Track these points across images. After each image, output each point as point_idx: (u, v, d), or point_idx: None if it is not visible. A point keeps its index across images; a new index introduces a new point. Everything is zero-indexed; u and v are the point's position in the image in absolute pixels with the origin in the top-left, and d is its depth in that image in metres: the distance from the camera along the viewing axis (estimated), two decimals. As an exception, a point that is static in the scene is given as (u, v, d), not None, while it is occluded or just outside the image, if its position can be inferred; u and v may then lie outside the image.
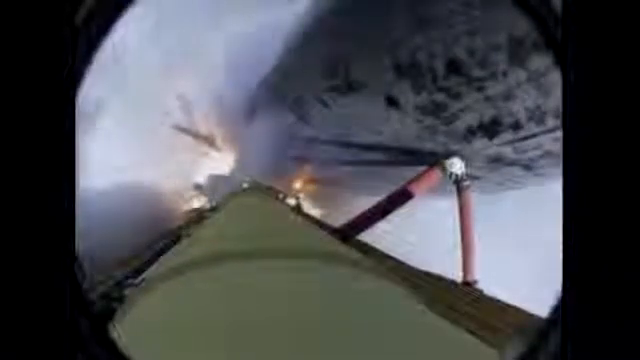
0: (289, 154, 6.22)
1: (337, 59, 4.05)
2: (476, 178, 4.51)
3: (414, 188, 4.08)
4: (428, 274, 2.82)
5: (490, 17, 2.74)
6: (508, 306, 2.29)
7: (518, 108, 3.32)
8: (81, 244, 0.77)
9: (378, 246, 3.27)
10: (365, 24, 3.51)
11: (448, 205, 4.57)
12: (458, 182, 4.25)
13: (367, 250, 3.10)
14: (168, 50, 6.87)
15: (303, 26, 4.66)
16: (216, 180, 6.91)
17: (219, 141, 8.28)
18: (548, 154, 3.80)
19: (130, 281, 1.90)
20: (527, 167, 4.22)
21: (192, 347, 0.67)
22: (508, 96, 3.23)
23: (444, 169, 4.18)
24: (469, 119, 3.66)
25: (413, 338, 0.78)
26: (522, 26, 2.57)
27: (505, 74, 3.03)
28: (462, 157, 4.18)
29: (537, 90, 3.06)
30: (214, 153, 8.37)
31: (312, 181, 6.83)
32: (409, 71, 3.47)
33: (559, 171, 0.74)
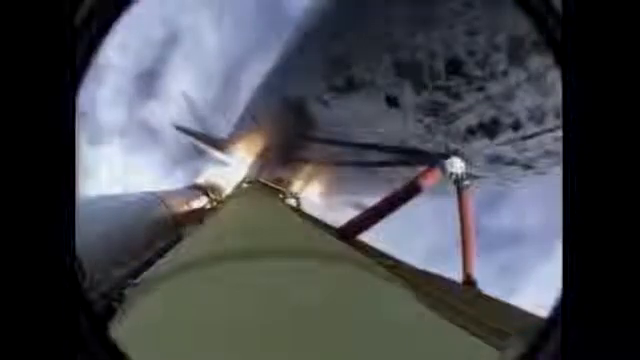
0: (289, 154, 6.21)
1: (337, 59, 4.05)
2: (476, 178, 4.51)
3: (420, 184, 4.07)
4: (428, 274, 2.82)
5: (490, 17, 2.74)
6: (508, 306, 2.29)
7: (518, 108, 3.31)
8: (81, 245, 0.77)
9: (377, 246, 3.27)
10: (365, 24, 3.51)
11: (448, 204, 4.57)
12: (458, 182, 4.25)
13: (367, 250, 3.10)
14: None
15: (303, 26, 4.65)
16: (217, 181, 6.92)
17: (220, 142, 8.28)
18: (548, 153, 3.80)
19: (130, 281, 1.90)
20: (527, 166, 4.22)
21: (192, 347, 0.67)
22: (508, 96, 3.22)
23: (444, 169, 4.18)
24: (469, 119, 3.66)
25: (413, 338, 0.78)
26: (522, 26, 2.56)
27: (505, 74, 3.03)
28: (462, 157, 4.18)
29: (537, 90, 3.05)
30: (214, 153, 8.38)
31: (312, 181, 6.82)
32: (409, 71, 3.47)
33: (559, 170, 0.75)
